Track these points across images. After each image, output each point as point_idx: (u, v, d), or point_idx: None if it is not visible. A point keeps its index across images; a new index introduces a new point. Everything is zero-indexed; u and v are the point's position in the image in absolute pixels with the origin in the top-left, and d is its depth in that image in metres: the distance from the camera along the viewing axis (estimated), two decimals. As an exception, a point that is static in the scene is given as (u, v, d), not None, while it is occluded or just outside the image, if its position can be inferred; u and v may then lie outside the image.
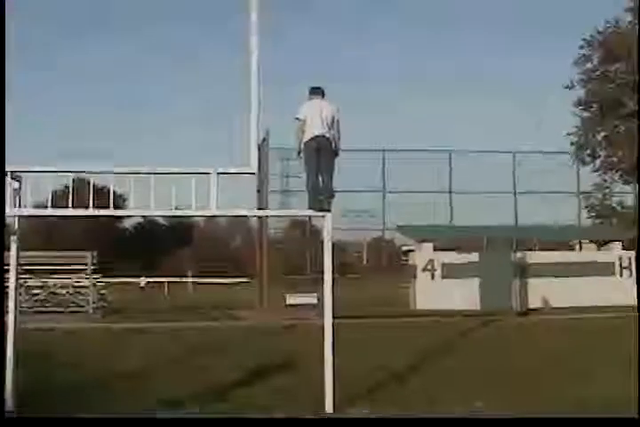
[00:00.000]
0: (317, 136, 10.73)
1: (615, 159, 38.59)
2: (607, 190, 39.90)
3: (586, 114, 38.94)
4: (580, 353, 16.09)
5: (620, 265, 34.51)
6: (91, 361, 15.09)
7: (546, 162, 36.49)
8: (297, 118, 10.92)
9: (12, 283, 10.59)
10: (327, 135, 10.79)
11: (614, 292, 32.41)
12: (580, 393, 10.84)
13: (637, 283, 33.46)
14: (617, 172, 39.08)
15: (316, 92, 11.38)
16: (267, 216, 25.10)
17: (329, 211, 10.74)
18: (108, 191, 11.03)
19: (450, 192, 36.48)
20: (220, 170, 10.84)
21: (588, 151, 38.96)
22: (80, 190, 11.57)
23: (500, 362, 14.52)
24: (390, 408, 9.67)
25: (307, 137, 10.82)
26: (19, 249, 10.88)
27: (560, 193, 37.42)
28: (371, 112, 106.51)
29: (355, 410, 9.06)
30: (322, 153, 10.77)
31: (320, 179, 10.89)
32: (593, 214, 39.77)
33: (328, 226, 10.85)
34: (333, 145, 10.94)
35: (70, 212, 11.38)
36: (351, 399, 9.99)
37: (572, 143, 38.91)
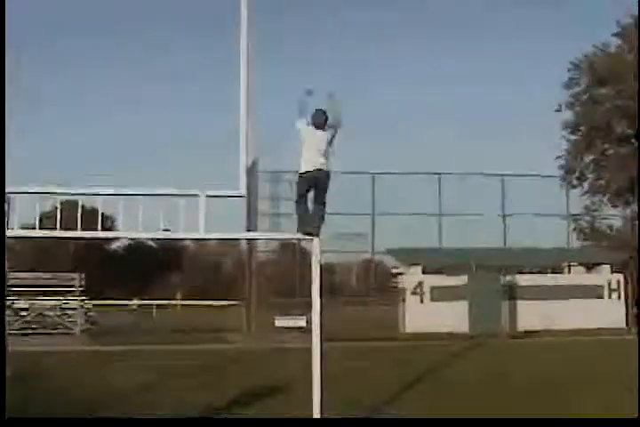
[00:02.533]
0: (314, 170, 10.46)
1: (603, 182, 38.85)
2: (596, 213, 40.16)
3: (574, 137, 39.25)
4: (571, 374, 16.07)
5: (609, 288, 34.55)
6: (75, 384, 14.96)
7: (534, 185, 36.69)
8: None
9: (-1, 307, 10.53)
10: (324, 168, 10.50)
11: (603, 314, 32.47)
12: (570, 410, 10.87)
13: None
14: (605, 195, 39.33)
15: (319, 119, 10.67)
16: (256, 239, 25.06)
17: (317, 236, 10.61)
18: (97, 213, 11.00)
19: (439, 215, 36.60)
20: (210, 193, 10.83)
21: (577, 174, 39.22)
22: (69, 212, 11.53)
23: (489, 385, 14.47)
24: None
25: (303, 168, 10.56)
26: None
27: (549, 216, 37.54)
28: (361, 135, 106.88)
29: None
30: (317, 185, 10.55)
31: (311, 206, 10.69)
32: (582, 237, 40.00)
33: (316, 249, 10.83)
34: (328, 174, 10.62)
35: (58, 233, 11.33)
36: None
37: (560, 166, 39.23)
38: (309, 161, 10.48)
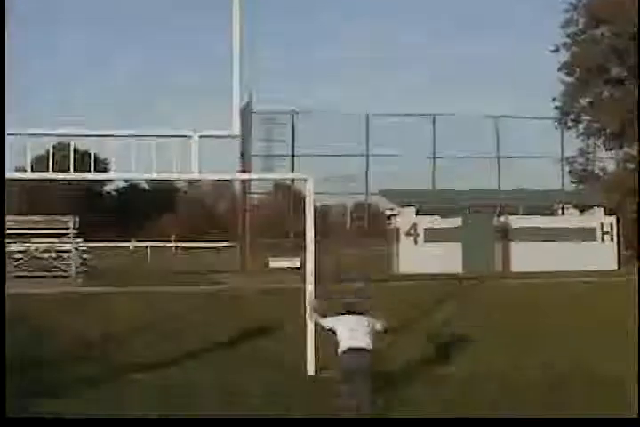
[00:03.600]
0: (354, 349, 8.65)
1: (598, 125, 38.71)
2: (590, 156, 40.12)
3: (570, 79, 38.98)
4: (560, 313, 16.23)
5: (602, 230, 34.69)
6: (71, 325, 15.05)
7: (529, 127, 36.56)
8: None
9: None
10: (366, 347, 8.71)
11: (596, 256, 32.66)
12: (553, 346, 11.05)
13: None
14: (600, 137, 39.26)
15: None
16: (249, 180, 25.05)
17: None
18: (90, 156, 10.93)
19: (434, 157, 36.48)
20: (203, 133, 10.75)
21: (572, 116, 39.07)
22: (61, 155, 11.44)
23: (480, 323, 14.60)
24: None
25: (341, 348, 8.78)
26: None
27: (543, 158, 37.44)
28: (354, 77, 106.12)
29: (334, 372, 9.09)
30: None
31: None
32: (576, 179, 40.02)
33: (310, 191, 10.81)
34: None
35: (51, 175, 11.27)
36: (332, 362, 10.01)
37: (555, 108, 39.05)
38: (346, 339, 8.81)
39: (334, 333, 8.69)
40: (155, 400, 8.49)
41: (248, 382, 9.58)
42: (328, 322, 8.97)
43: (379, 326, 8.82)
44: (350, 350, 8.48)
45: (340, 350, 8.62)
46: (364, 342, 8.54)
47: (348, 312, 8.82)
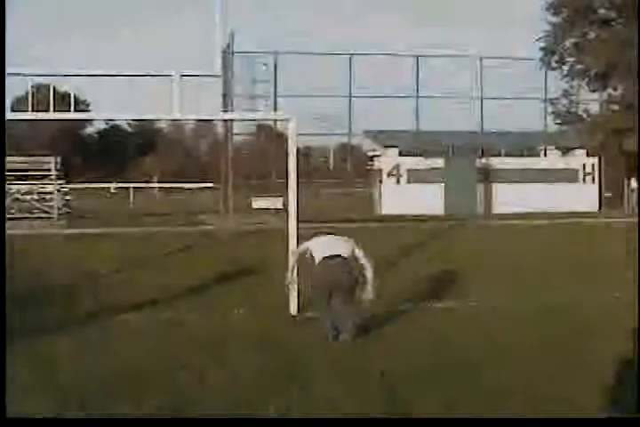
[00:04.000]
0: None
1: (583, 66, 38.47)
2: (574, 97, 39.96)
3: (556, 19, 38.58)
4: (539, 255, 16.39)
5: (584, 171, 34.87)
6: (55, 266, 15.09)
7: (513, 67, 36.35)
8: None
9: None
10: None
11: (577, 198, 32.89)
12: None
13: None
14: (584, 79, 39.04)
15: None
16: (232, 120, 24.90)
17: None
18: (70, 96, 10.82)
19: (417, 97, 36.33)
20: (184, 72, 10.62)
21: (557, 57, 38.79)
22: (42, 96, 11.32)
23: (465, 263, 14.73)
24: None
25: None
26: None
27: (527, 99, 37.34)
28: (337, 17, 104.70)
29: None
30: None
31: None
32: (559, 121, 39.92)
33: (293, 131, 10.76)
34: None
35: (31, 115, 11.17)
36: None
37: (540, 48, 38.73)
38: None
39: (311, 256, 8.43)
40: (142, 341, 8.56)
41: (233, 322, 9.66)
42: (300, 247, 8.75)
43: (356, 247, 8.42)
44: (325, 258, 8.17)
45: (315, 261, 8.35)
46: (341, 250, 8.22)
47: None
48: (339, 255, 8.17)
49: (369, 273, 8.31)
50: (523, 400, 6.21)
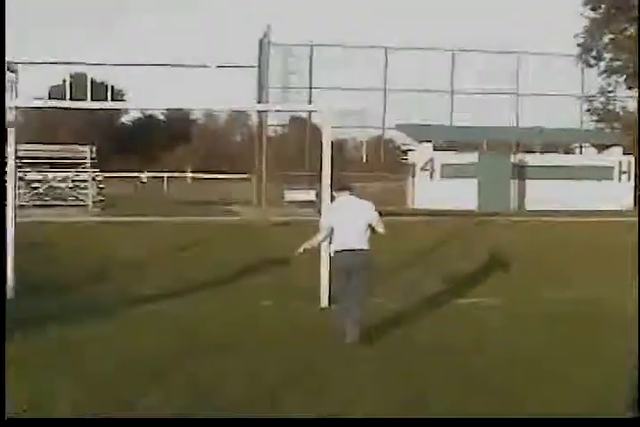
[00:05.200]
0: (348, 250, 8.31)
1: (620, 63, 38.03)
2: (611, 94, 39.53)
3: (593, 15, 38.17)
4: (574, 251, 16.26)
5: (620, 170, 34.51)
6: (88, 254, 15.21)
7: (550, 63, 36.04)
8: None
9: (10, 176, 10.47)
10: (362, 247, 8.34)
11: (612, 196, 32.56)
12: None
13: None
14: (621, 76, 38.62)
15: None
16: (266, 111, 24.89)
17: None
18: (106, 86, 10.90)
19: (452, 92, 36.15)
20: (220, 63, 10.64)
21: (594, 54, 38.38)
22: (78, 85, 11.42)
23: (493, 258, 14.65)
24: (383, 298, 9.87)
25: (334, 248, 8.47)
26: (16, 142, 10.72)
27: (563, 96, 37.01)
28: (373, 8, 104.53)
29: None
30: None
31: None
32: (595, 118, 39.52)
33: (328, 124, 10.77)
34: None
35: (67, 104, 11.27)
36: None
37: (578, 45, 38.34)
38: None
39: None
40: (169, 331, 8.61)
41: (260, 314, 9.69)
42: (323, 224, 8.48)
43: (379, 227, 8.31)
44: (343, 251, 8.25)
45: (332, 250, 8.45)
46: (358, 242, 8.22)
47: (346, 189, 8.53)
48: (356, 249, 8.21)
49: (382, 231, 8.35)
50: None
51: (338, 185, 8.77)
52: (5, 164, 10.44)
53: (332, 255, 8.51)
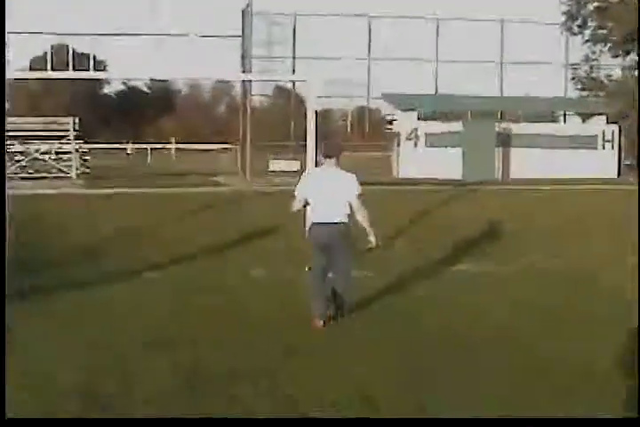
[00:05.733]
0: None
1: (605, 31, 37.93)
2: (595, 63, 39.47)
3: (578, -18, 38.00)
4: (558, 217, 16.35)
5: (604, 138, 34.60)
6: (76, 225, 15.18)
7: (535, 31, 35.98)
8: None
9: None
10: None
11: (596, 164, 32.70)
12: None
13: None
14: (606, 44, 38.50)
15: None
16: (250, 81, 24.77)
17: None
18: (88, 57, 10.84)
19: (436, 61, 36.08)
20: (203, 32, 10.58)
21: (579, 22, 38.26)
22: (60, 56, 11.33)
23: (480, 226, 14.72)
24: (368, 271, 9.92)
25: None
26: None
27: (548, 64, 36.99)
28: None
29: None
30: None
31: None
32: (579, 87, 39.48)
33: (312, 93, 10.75)
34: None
35: (49, 74, 11.20)
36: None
37: (562, 13, 38.20)
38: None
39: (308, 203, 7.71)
40: (168, 298, 8.68)
41: (253, 280, 9.76)
42: (298, 193, 7.73)
43: (359, 211, 7.60)
44: (317, 224, 7.64)
45: (308, 224, 7.82)
46: (336, 215, 7.55)
47: (334, 156, 7.69)
48: (333, 222, 7.57)
49: (365, 222, 7.66)
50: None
51: (326, 150, 7.94)
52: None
53: (308, 228, 7.84)
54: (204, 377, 5.95)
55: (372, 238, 7.72)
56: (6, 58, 10.15)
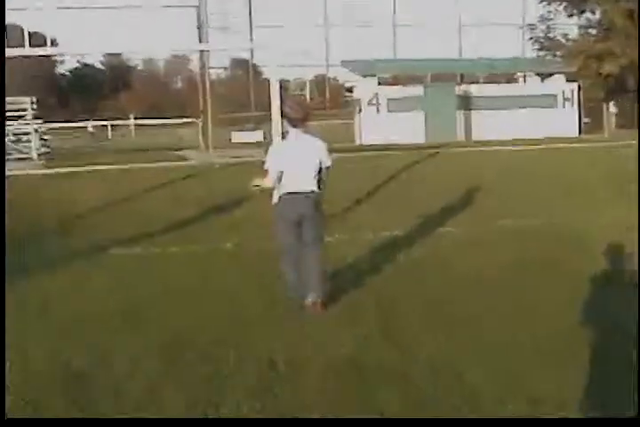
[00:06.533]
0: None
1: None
2: (551, 22, 39.53)
3: None
4: (524, 176, 16.44)
5: (563, 97, 34.75)
6: (40, 205, 15.00)
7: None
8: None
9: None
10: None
11: (557, 123, 32.88)
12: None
13: None
14: (561, 3, 38.54)
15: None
16: (207, 51, 24.48)
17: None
18: (43, 36, 10.64)
19: (394, 25, 35.94)
20: (158, 2, 10.43)
21: (533, -19, 38.27)
22: (13, 37, 11.10)
23: (448, 187, 14.75)
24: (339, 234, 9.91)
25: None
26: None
27: (504, 25, 37.03)
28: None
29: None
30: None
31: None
32: (537, 47, 39.54)
33: (273, 62, 10.66)
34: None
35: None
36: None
37: (517, -28, 38.21)
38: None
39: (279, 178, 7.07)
40: (135, 276, 8.62)
41: (220, 255, 9.71)
42: (271, 166, 7.09)
43: (327, 160, 7.19)
44: (289, 194, 7.05)
45: (276, 196, 7.16)
46: (309, 184, 7.08)
47: (302, 122, 7.12)
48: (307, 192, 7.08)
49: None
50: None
51: (292, 117, 7.14)
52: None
53: (277, 201, 7.17)
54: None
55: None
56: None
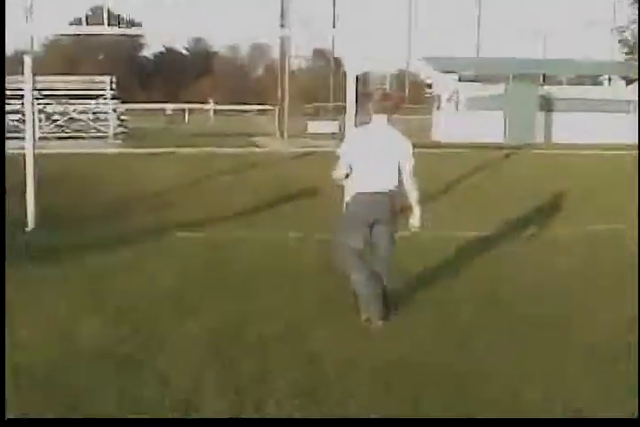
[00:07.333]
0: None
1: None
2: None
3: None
4: (600, 181, 16.00)
5: (640, 103, 33.91)
6: (113, 185, 15.10)
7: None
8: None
9: (27, 109, 10.16)
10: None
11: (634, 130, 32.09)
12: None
13: None
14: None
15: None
16: (288, 38, 24.44)
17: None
18: (126, 19, 10.59)
19: (478, 25, 35.50)
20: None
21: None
22: (97, 20, 11.11)
23: (526, 187, 14.41)
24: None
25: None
26: (34, 73, 10.25)
27: (594, 27, 36.26)
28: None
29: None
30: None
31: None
32: (626, 50, 38.65)
33: (352, 56, 10.47)
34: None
35: (85, 30, 11.01)
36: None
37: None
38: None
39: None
40: (202, 255, 8.54)
41: (284, 245, 9.57)
42: (343, 155, 6.25)
43: (408, 163, 6.29)
44: (364, 194, 6.20)
45: (348, 195, 6.37)
46: (389, 181, 6.22)
47: (386, 111, 6.30)
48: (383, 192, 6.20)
49: (413, 198, 6.36)
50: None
51: (375, 104, 6.31)
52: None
53: (349, 201, 6.34)
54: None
55: (417, 220, 6.35)
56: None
